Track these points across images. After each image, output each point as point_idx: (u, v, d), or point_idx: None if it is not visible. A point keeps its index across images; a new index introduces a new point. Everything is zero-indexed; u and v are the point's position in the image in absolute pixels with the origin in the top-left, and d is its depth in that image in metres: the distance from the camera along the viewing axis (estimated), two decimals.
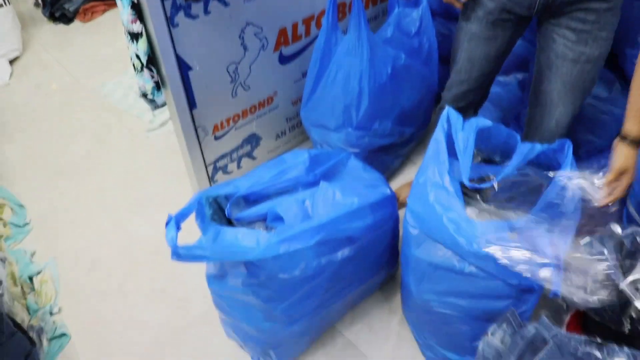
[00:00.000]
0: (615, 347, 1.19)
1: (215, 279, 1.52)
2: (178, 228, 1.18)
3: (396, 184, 2.19)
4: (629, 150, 1.28)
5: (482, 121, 1.48)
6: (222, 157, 2.06)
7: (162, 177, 2.32)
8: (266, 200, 1.48)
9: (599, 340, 1.22)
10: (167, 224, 1.17)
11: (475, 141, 1.46)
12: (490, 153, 1.66)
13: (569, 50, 1.46)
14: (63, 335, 1.82)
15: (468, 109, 1.77)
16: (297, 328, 1.55)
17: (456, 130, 1.45)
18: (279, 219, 1.40)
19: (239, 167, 2.16)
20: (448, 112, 1.45)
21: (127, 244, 2.07)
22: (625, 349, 1.18)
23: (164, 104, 2.58)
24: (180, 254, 1.15)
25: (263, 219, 1.44)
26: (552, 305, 1.60)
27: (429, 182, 1.40)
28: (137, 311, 1.86)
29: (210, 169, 2.05)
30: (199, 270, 1.60)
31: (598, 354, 1.17)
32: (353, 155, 1.67)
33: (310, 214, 1.42)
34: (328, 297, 1.55)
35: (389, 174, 2.20)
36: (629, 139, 1.27)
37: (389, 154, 2.11)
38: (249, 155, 2.17)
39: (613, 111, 1.75)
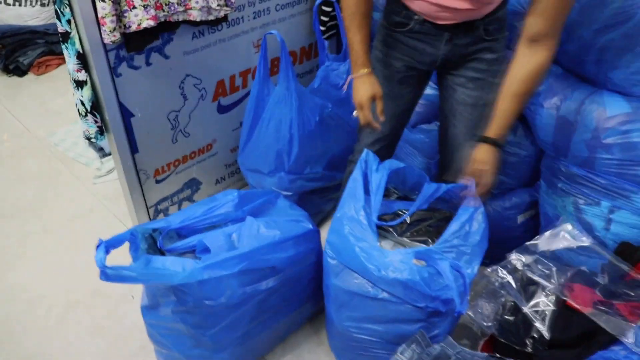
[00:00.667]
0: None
1: (149, 310, 1.62)
2: (107, 252, 1.29)
3: (328, 226, 2.34)
4: (488, 147, 1.50)
5: (395, 163, 1.66)
6: (163, 200, 2.18)
7: (106, 220, 2.42)
8: (197, 234, 1.60)
9: (498, 355, 1.36)
10: (97, 247, 1.28)
11: (391, 180, 1.63)
12: (406, 191, 1.84)
13: (467, 97, 1.66)
14: None
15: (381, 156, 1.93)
16: (225, 356, 1.65)
17: (371, 171, 1.62)
18: (206, 250, 1.53)
19: (179, 210, 2.28)
20: (366, 154, 1.63)
21: (69, 282, 2.14)
22: None
23: (111, 153, 2.70)
24: (108, 274, 1.25)
25: (192, 250, 1.56)
26: (470, 334, 1.74)
27: (345, 216, 1.55)
28: (76, 346, 1.92)
29: (151, 211, 2.17)
30: (137, 310, 1.69)
31: None
32: (282, 195, 1.82)
33: (236, 245, 1.55)
34: (255, 326, 1.66)
35: (322, 216, 2.35)
36: (489, 141, 1.50)
37: (321, 197, 2.27)
38: (190, 199, 2.30)
39: (519, 153, 1.95)
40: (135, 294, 2.06)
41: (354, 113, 1.61)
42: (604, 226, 1.74)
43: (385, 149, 1.82)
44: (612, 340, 1.44)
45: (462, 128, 1.70)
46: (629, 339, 1.34)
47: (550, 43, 1.36)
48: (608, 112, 1.62)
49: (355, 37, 1.54)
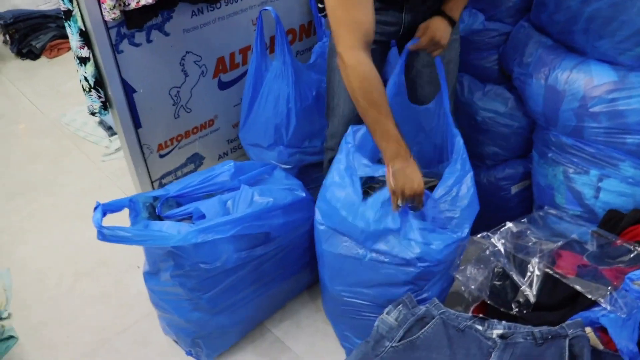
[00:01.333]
0: (495, 321, 1.38)
1: (150, 276, 1.70)
2: (104, 214, 1.36)
3: None
4: (442, 19, 1.62)
5: None
6: (167, 174, 2.25)
7: (114, 195, 2.47)
8: (194, 202, 1.67)
9: (481, 316, 1.41)
10: (94, 209, 1.35)
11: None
12: None
13: (431, 58, 1.70)
14: (11, 337, 1.95)
15: None
16: (223, 319, 1.72)
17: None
18: (203, 216, 1.59)
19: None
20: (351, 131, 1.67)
21: (77, 254, 2.23)
22: (504, 322, 1.38)
23: None
24: (104, 234, 1.33)
25: (189, 216, 1.63)
26: (463, 300, 1.79)
27: (332, 183, 1.60)
28: (83, 314, 2.01)
29: (155, 184, 2.24)
30: (141, 279, 1.77)
31: (479, 327, 1.37)
32: (279, 167, 1.88)
33: (231, 212, 1.61)
34: (252, 291, 1.73)
35: None
36: (444, 15, 1.62)
37: (321, 171, 2.32)
38: None
39: (512, 124, 1.98)
40: (140, 263, 2.14)
41: (399, 204, 1.47)
42: (593, 194, 1.77)
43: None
44: (595, 301, 1.49)
45: (429, 87, 1.76)
46: (605, 302, 1.37)
47: None
48: (595, 80, 1.65)
49: (388, 120, 1.40)
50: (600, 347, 1.33)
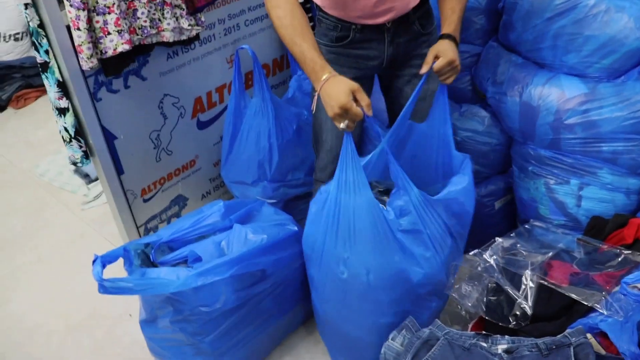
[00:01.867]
0: (498, 336, 1.40)
1: (147, 324, 1.68)
2: (103, 266, 1.34)
3: None
4: (449, 43, 1.57)
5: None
6: (152, 218, 2.24)
7: (97, 243, 2.46)
8: (187, 245, 1.66)
9: (484, 332, 1.43)
10: (93, 262, 1.34)
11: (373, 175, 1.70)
12: (388, 184, 1.90)
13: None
14: None
15: None
16: None
17: None
18: (198, 259, 1.59)
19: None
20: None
21: (66, 308, 2.18)
22: (507, 336, 1.40)
23: (97, 178, 2.75)
24: (106, 287, 1.31)
25: (184, 260, 1.62)
26: (460, 319, 1.81)
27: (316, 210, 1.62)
28: None
29: (141, 230, 2.22)
30: (136, 327, 1.74)
31: (484, 344, 1.38)
32: (266, 203, 1.89)
33: (226, 252, 1.61)
34: (251, 330, 1.72)
35: None
36: (447, 38, 1.58)
37: (305, 203, 2.32)
38: (178, 215, 2.35)
39: (490, 142, 2.04)
40: (132, 312, 2.11)
41: (341, 126, 1.41)
42: (576, 203, 1.82)
43: None
44: (591, 307, 1.52)
45: (417, 120, 1.77)
46: (601, 307, 1.41)
47: None
48: (567, 94, 1.72)
49: (303, 45, 1.42)
50: (603, 352, 1.36)
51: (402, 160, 1.80)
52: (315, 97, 1.46)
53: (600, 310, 1.42)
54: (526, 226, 1.85)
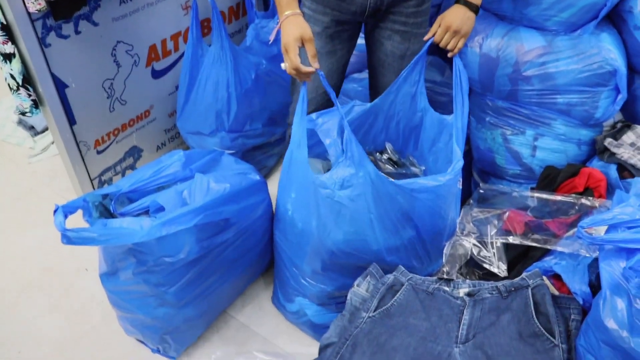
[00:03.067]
0: (460, 280, 1.45)
1: (109, 277, 1.64)
2: (65, 216, 1.30)
3: (272, 181, 2.40)
4: (457, 8, 1.58)
5: None
6: (107, 170, 2.17)
7: (49, 197, 2.37)
8: (148, 195, 1.62)
9: (445, 277, 1.48)
10: (54, 212, 1.29)
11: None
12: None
13: (395, 49, 1.73)
14: None
15: None
16: (189, 311, 1.69)
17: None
18: (161, 209, 1.55)
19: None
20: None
21: (19, 265, 2.10)
22: (468, 280, 1.45)
23: (44, 130, 2.64)
24: (69, 237, 1.27)
25: (146, 211, 1.58)
26: None
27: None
28: (34, 326, 1.91)
29: (95, 182, 2.16)
30: (93, 282, 1.69)
31: (446, 287, 1.43)
32: (225, 152, 1.86)
33: (189, 202, 1.58)
34: (215, 280, 1.72)
35: (265, 172, 2.41)
36: (460, 2, 1.58)
37: (264, 153, 2.32)
38: (132, 167, 2.29)
39: (449, 93, 2.06)
40: (88, 266, 2.06)
41: (282, 65, 1.48)
42: (530, 153, 1.88)
43: (323, 109, 1.81)
44: (545, 252, 1.60)
45: (392, 77, 1.77)
46: (558, 248, 1.48)
47: None
48: (526, 46, 1.75)
49: None
50: (556, 292, 1.44)
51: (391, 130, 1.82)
52: (275, 30, 1.49)
53: (558, 250, 1.49)
54: (480, 191, 1.87)
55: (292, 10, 1.44)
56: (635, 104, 1.79)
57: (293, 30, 1.42)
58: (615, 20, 1.76)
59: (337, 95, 1.85)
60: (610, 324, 1.15)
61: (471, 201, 1.79)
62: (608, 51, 1.66)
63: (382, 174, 1.47)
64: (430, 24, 1.71)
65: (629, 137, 1.78)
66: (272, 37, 1.52)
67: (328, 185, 1.46)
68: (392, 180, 1.47)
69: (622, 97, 1.70)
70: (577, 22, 1.68)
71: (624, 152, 1.74)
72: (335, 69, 1.75)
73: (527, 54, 1.75)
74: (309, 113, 1.65)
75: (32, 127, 2.72)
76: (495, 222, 1.68)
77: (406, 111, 1.81)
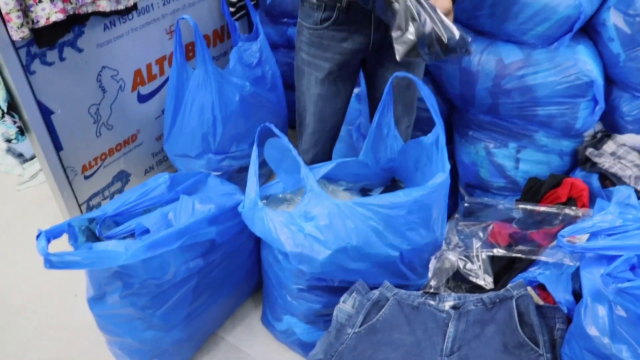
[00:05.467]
0: (445, 294, 1.46)
1: (96, 301, 1.64)
2: (48, 241, 1.31)
3: None
4: None
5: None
6: (95, 195, 2.18)
7: (36, 224, 2.32)
8: (133, 218, 1.63)
9: (432, 291, 1.48)
10: (37, 237, 1.30)
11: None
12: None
13: (401, 80, 1.65)
14: None
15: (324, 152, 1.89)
16: (177, 334, 1.69)
17: None
18: (146, 231, 1.56)
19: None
20: None
21: (8, 290, 2.10)
22: (453, 294, 1.46)
23: (32, 157, 2.65)
24: (52, 262, 1.28)
25: (131, 234, 1.59)
26: None
27: None
28: (23, 352, 1.90)
29: (83, 208, 2.16)
30: (82, 307, 1.69)
31: (432, 302, 1.43)
32: (211, 174, 1.87)
33: (174, 223, 1.59)
34: (203, 301, 1.72)
35: None
36: None
37: None
38: (121, 192, 2.30)
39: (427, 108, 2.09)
40: (78, 292, 2.06)
41: None
42: (514, 165, 1.90)
43: (329, 144, 1.84)
44: (530, 263, 1.61)
45: (400, 107, 1.73)
46: (542, 258, 1.49)
47: None
48: (505, 60, 1.78)
49: None
50: (541, 302, 1.44)
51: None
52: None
53: (543, 260, 1.50)
54: (465, 204, 1.88)
55: None
56: (614, 113, 1.82)
57: None
58: (590, 32, 1.79)
59: (338, 134, 1.84)
60: (592, 331, 1.16)
61: (457, 215, 1.80)
62: (584, 63, 1.69)
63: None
64: None
65: (609, 146, 1.80)
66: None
67: (296, 220, 1.46)
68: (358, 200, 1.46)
69: (600, 107, 1.73)
70: (553, 35, 1.71)
71: (605, 162, 1.76)
72: (340, 107, 1.74)
73: (506, 67, 1.78)
74: (316, 153, 1.76)
75: (20, 155, 2.73)
76: (481, 235, 1.69)
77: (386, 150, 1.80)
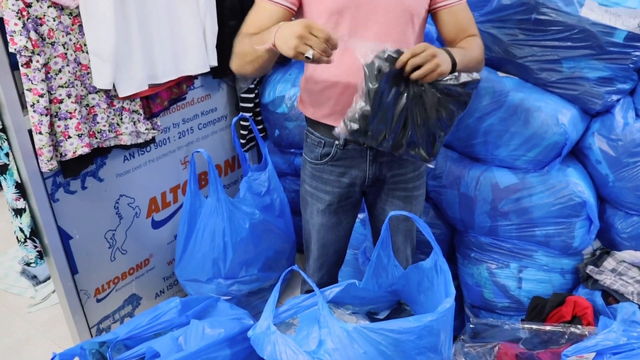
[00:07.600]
0: None
1: None
2: None
3: None
4: (443, 49, 1.38)
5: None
6: (105, 318, 2.21)
7: (44, 347, 2.37)
8: (144, 342, 1.66)
9: None
10: None
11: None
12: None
13: (399, 213, 1.67)
14: None
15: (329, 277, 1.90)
16: None
17: None
18: (156, 355, 1.58)
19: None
20: None
21: None
22: None
23: (46, 279, 2.71)
24: None
25: (142, 358, 1.61)
26: None
27: None
28: None
29: (94, 330, 2.18)
30: None
31: None
32: (221, 298, 1.92)
33: (184, 347, 1.62)
34: None
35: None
36: (445, 50, 1.39)
37: (259, 298, 2.37)
38: (131, 315, 2.33)
39: (434, 232, 2.09)
40: None
41: (308, 53, 1.18)
42: (517, 285, 1.94)
43: (334, 268, 1.87)
44: None
45: (400, 238, 1.78)
46: None
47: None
48: (500, 184, 1.88)
49: (254, 36, 1.37)
50: None
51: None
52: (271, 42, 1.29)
53: None
54: (470, 326, 1.89)
55: (279, 26, 1.28)
56: (610, 231, 1.88)
57: (294, 23, 1.23)
58: (578, 156, 1.91)
59: (343, 259, 1.88)
60: None
61: (463, 336, 1.81)
62: (575, 184, 1.79)
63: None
64: None
65: (609, 263, 1.85)
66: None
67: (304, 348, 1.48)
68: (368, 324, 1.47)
69: (595, 225, 1.80)
70: (543, 159, 1.82)
71: (606, 279, 1.80)
72: (342, 235, 1.77)
73: (502, 191, 1.88)
74: (321, 277, 1.80)
75: (34, 277, 2.78)
76: (487, 357, 1.70)
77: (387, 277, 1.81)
